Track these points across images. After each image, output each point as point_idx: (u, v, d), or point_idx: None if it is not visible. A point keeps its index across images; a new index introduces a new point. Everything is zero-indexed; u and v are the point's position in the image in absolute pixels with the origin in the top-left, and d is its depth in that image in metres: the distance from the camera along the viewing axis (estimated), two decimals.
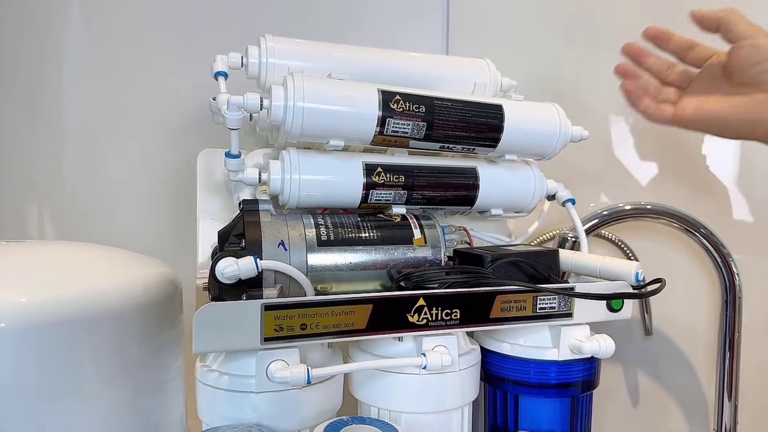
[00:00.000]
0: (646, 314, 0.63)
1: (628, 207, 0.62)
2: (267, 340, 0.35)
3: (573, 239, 0.58)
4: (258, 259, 0.36)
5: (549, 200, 0.52)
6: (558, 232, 0.59)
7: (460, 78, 0.50)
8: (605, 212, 0.62)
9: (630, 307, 0.45)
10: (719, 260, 0.60)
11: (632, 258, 0.62)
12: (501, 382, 0.45)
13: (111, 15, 0.64)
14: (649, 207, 0.62)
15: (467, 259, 0.44)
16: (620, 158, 0.66)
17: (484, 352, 0.45)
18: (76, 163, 0.68)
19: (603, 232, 0.62)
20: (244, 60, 0.45)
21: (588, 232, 0.61)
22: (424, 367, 0.38)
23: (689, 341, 0.64)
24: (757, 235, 0.63)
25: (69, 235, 0.73)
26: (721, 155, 0.64)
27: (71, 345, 0.32)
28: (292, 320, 0.36)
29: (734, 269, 0.60)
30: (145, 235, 0.64)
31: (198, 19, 0.64)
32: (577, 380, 0.44)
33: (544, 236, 0.61)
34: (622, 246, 0.62)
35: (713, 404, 0.61)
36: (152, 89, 0.65)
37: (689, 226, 0.60)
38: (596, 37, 0.65)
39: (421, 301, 0.38)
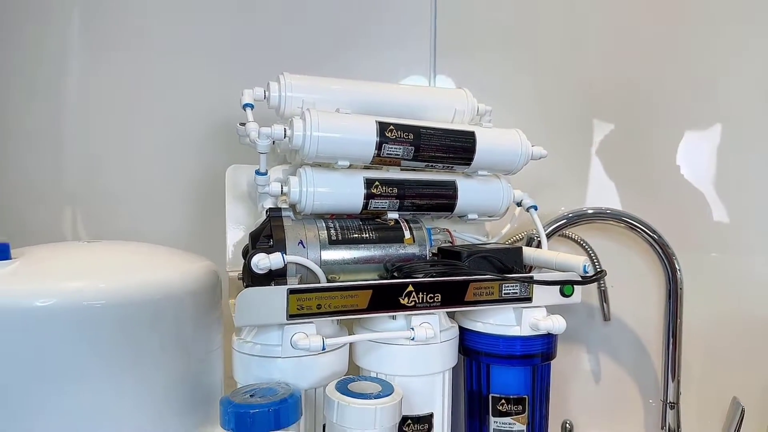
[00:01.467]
0: (604, 303, 0.74)
1: (590, 211, 0.73)
2: (291, 316, 0.45)
3: (538, 239, 0.69)
4: (284, 255, 0.46)
5: (518, 206, 0.63)
6: (526, 233, 0.70)
7: (443, 105, 0.61)
8: (570, 215, 0.72)
9: (579, 293, 0.55)
10: (664, 257, 0.71)
11: (592, 255, 0.73)
12: (476, 355, 0.56)
13: (155, 46, 0.75)
14: (608, 211, 0.73)
15: (448, 255, 0.55)
16: (584, 169, 0.77)
17: (462, 330, 0.56)
18: (114, 172, 0.79)
19: (567, 232, 0.73)
20: (267, 93, 0.56)
21: (555, 232, 0.72)
22: (413, 339, 0.49)
23: (641, 325, 0.75)
24: (695, 237, 0.74)
25: (106, 236, 0.84)
26: (671, 170, 0.75)
27: (144, 320, 0.42)
28: (310, 301, 0.46)
29: (677, 265, 0.70)
30: (176, 236, 0.75)
31: (224, 52, 0.75)
32: (537, 352, 0.55)
33: (517, 236, 0.71)
34: (584, 245, 0.73)
35: (662, 379, 0.72)
36: (185, 109, 0.77)
37: (641, 228, 0.71)
38: (568, 64, 0.76)
39: (410, 288, 0.49)
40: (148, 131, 0.79)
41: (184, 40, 0.77)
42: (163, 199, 0.78)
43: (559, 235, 0.73)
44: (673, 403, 0.71)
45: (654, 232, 0.70)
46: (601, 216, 0.73)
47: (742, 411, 0.68)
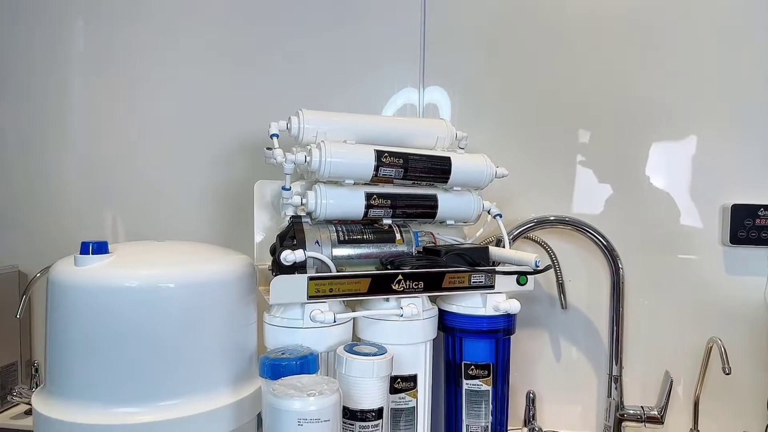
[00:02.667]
0: (562, 294, 0.89)
1: (551, 217, 0.88)
2: (310, 297, 0.61)
3: (509, 240, 0.84)
4: (305, 251, 0.62)
5: (489, 214, 0.79)
6: (496, 236, 0.86)
7: (427, 133, 0.76)
8: (534, 220, 0.88)
9: (532, 282, 0.71)
10: (610, 257, 0.86)
11: (552, 254, 0.88)
12: (451, 330, 0.71)
13: (194, 86, 0.91)
14: (566, 218, 0.88)
15: (430, 252, 0.71)
16: (547, 183, 0.92)
17: (441, 311, 0.71)
18: (156, 184, 0.95)
19: (531, 235, 0.89)
20: (288, 125, 0.71)
21: (521, 234, 0.87)
22: (401, 316, 0.64)
23: (593, 313, 0.90)
24: (634, 241, 0.90)
25: (144, 237, 1.00)
26: (623, 184, 0.91)
27: (203, 298, 0.57)
28: (324, 286, 0.62)
29: (620, 264, 0.86)
30: (209, 237, 0.91)
31: (248, 85, 0.92)
32: (500, 328, 0.70)
33: (489, 238, 0.87)
34: (545, 246, 0.89)
35: (608, 356, 0.88)
36: (217, 132, 0.93)
37: (592, 232, 0.87)
38: (555, 79, 0.92)
39: (400, 277, 0.65)
40: (185, 151, 0.96)
41: (217, 79, 0.94)
42: (197, 206, 0.95)
43: (524, 237, 0.88)
44: (617, 376, 0.86)
45: (602, 236, 0.86)
46: (560, 222, 0.88)
47: (671, 382, 0.84)
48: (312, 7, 0.95)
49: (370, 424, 0.57)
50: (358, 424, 0.57)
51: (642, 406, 0.85)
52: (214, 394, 0.55)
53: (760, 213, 0.87)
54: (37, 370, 1.00)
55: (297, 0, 0.95)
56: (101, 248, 0.55)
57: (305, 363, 0.55)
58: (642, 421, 0.84)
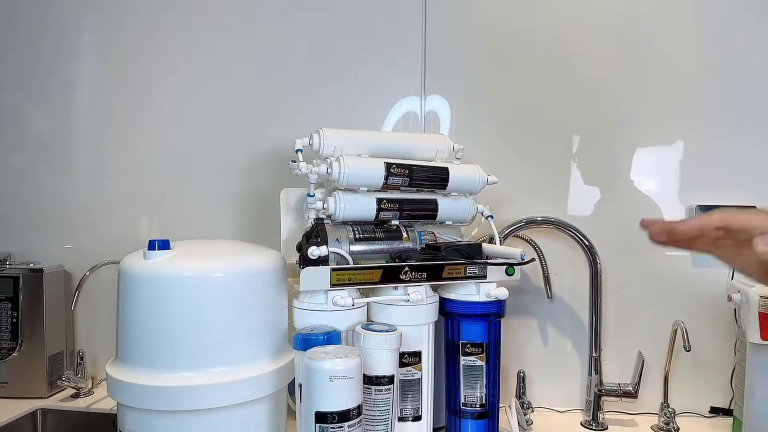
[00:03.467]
0: (548, 285, 1.01)
1: (539, 218, 1.01)
2: (333, 285, 0.73)
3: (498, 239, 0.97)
4: (328, 247, 0.74)
5: (482, 216, 0.91)
6: (489, 234, 0.98)
7: (428, 147, 0.89)
8: (523, 221, 1.00)
9: (519, 273, 0.83)
10: (589, 253, 0.98)
11: (538, 251, 1.01)
12: (451, 314, 0.83)
13: (223, 102, 1.04)
14: (552, 219, 1.01)
15: (432, 248, 0.83)
16: (539, 187, 1.05)
17: (442, 299, 0.83)
18: (190, 192, 1.08)
19: (520, 234, 1.01)
20: (311, 141, 0.84)
21: (511, 233, 1.00)
22: (408, 301, 0.76)
23: (575, 302, 1.03)
24: (614, 238, 1.02)
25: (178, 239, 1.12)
26: (607, 188, 1.03)
27: (245, 286, 0.69)
28: (344, 276, 0.74)
29: (597, 259, 0.98)
30: (237, 239, 1.04)
31: (266, 103, 1.05)
32: (492, 312, 0.83)
33: (484, 236, 0.99)
34: (533, 243, 1.01)
35: (589, 339, 1.00)
36: (251, 144, 1.06)
37: (574, 231, 0.99)
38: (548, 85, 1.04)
39: (407, 268, 0.77)
40: (217, 161, 1.09)
41: (241, 99, 1.06)
42: (228, 211, 1.08)
43: (514, 236, 1.01)
44: (596, 357, 0.98)
45: (582, 234, 0.98)
46: (546, 222, 1.00)
47: (643, 361, 0.96)
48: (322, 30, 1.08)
49: (383, 388, 0.69)
50: (374, 387, 0.69)
51: (618, 383, 0.97)
52: (256, 364, 0.68)
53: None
54: (81, 358, 1.12)
55: (305, 23, 1.08)
56: (165, 245, 0.67)
57: (330, 337, 0.68)
58: (618, 396, 0.96)
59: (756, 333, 0.72)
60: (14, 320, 1.08)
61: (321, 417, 0.57)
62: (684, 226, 0.53)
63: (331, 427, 0.57)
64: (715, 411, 1.00)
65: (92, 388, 1.13)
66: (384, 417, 0.70)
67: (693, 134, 1.01)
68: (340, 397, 0.57)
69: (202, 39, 1.12)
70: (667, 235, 0.54)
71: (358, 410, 0.59)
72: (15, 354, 1.09)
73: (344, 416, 0.57)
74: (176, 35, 1.12)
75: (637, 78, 1.02)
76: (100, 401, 1.08)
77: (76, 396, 1.10)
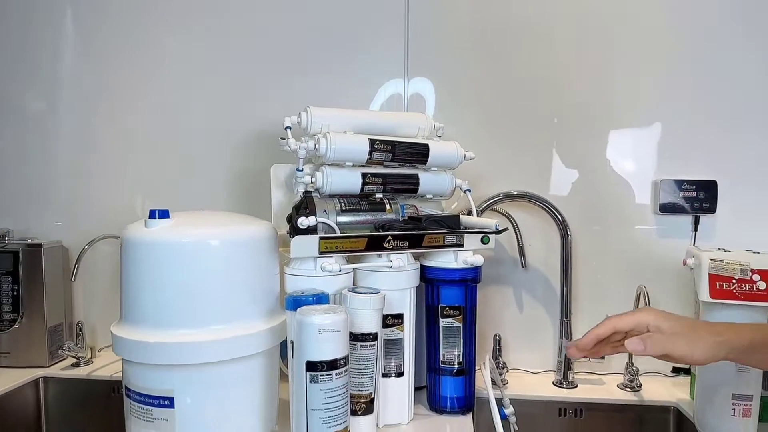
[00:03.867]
0: (522, 256, 1.08)
1: (515, 192, 1.07)
2: (321, 252, 0.79)
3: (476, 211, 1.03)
4: (316, 218, 0.80)
5: (461, 190, 0.97)
6: (467, 208, 1.04)
7: (411, 124, 0.94)
8: (501, 195, 1.07)
9: (493, 242, 0.89)
10: (561, 225, 1.05)
11: (514, 223, 1.07)
12: (430, 280, 0.90)
13: (218, 84, 1.09)
14: (527, 193, 1.07)
15: (413, 219, 0.89)
16: (513, 164, 1.11)
17: (423, 266, 0.90)
18: (186, 168, 1.13)
19: (497, 207, 1.07)
20: (299, 119, 0.89)
21: (488, 207, 1.06)
22: (391, 267, 0.83)
23: (548, 271, 1.10)
24: (579, 212, 1.09)
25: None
26: (584, 166, 1.10)
27: (239, 252, 0.75)
28: (332, 244, 0.80)
29: (568, 231, 1.05)
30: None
31: (256, 84, 1.09)
32: (468, 278, 0.89)
33: (464, 210, 1.05)
34: (509, 216, 1.08)
35: (560, 305, 1.07)
36: (242, 123, 1.10)
37: (547, 205, 1.06)
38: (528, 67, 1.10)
39: (390, 237, 0.83)
40: (210, 139, 1.13)
41: (232, 81, 1.11)
42: (221, 187, 1.12)
43: (491, 209, 1.07)
44: (567, 322, 1.06)
45: (554, 208, 1.05)
46: (521, 196, 1.07)
47: None
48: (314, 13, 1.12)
49: (368, 344, 0.76)
50: (359, 344, 0.75)
51: None
52: (251, 323, 0.73)
53: (683, 187, 1.07)
54: (81, 329, 1.18)
55: (298, 5, 1.12)
56: (164, 214, 0.72)
57: (319, 298, 0.73)
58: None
59: (706, 292, 0.79)
60: (15, 293, 1.13)
61: (311, 366, 0.63)
62: (583, 341, 0.69)
63: (320, 375, 0.63)
64: (677, 371, 1.09)
65: (91, 357, 1.18)
66: (369, 371, 0.76)
67: (662, 115, 1.08)
68: (328, 348, 0.64)
69: (195, 19, 1.15)
70: (576, 351, 0.69)
71: (345, 361, 0.65)
72: (16, 326, 1.13)
73: (332, 365, 0.63)
74: (169, 15, 1.16)
75: (614, 60, 1.08)
76: (99, 369, 1.14)
77: (76, 365, 1.15)
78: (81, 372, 1.13)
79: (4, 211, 1.22)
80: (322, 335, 0.63)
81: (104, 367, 1.15)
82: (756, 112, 1.05)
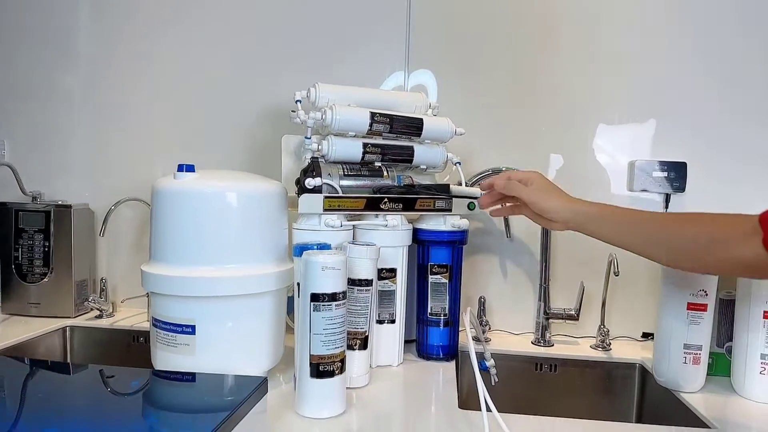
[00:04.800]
0: (507, 227, 1.19)
1: (503, 168, 1.17)
2: (325, 210, 0.90)
3: (465, 182, 1.14)
4: (322, 179, 0.91)
5: (452, 163, 1.08)
6: (459, 180, 1.15)
7: (408, 102, 1.05)
8: (490, 170, 1.17)
9: (478, 207, 1.00)
10: None
11: None
12: (422, 241, 1.01)
13: (235, 63, 1.20)
14: (514, 169, 1.18)
15: (408, 186, 1.00)
16: (505, 144, 1.22)
17: (415, 229, 1.01)
18: (205, 138, 1.24)
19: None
20: (308, 94, 1.00)
21: (477, 180, 1.17)
22: (386, 226, 0.94)
23: (530, 240, 1.21)
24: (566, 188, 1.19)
25: None
26: (569, 150, 1.20)
27: (254, 206, 0.86)
28: (334, 203, 0.91)
29: None
30: None
31: (269, 62, 1.20)
32: (455, 240, 1.00)
33: (456, 183, 1.16)
34: None
35: (540, 270, 1.18)
36: (255, 97, 1.21)
37: None
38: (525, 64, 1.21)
39: (386, 200, 0.94)
40: (225, 112, 1.24)
41: (247, 61, 1.22)
42: (235, 156, 1.23)
43: (479, 184, 1.17)
44: (546, 287, 1.16)
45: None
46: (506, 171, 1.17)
47: (583, 289, 1.14)
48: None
49: (364, 289, 0.87)
50: (356, 288, 0.86)
51: (564, 309, 1.15)
52: (262, 266, 0.85)
53: (656, 168, 1.17)
54: (104, 285, 1.29)
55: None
56: (190, 168, 0.84)
57: (322, 247, 0.84)
58: (563, 318, 1.14)
59: None
60: (46, 249, 1.25)
61: (315, 297, 0.74)
62: (483, 185, 0.87)
63: (322, 305, 0.74)
64: (646, 335, 1.19)
65: (113, 311, 1.30)
66: (364, 312, 0.87)
67: (643, 108, 1.18)
68: (330, 283, 0.75)
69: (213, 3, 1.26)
70: (484, 199, 0.86)
71: (343, 295, 0.76)
72: (46, 279, 1.25)
73: (332, 297, 0.74)
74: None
75: (604, 54, 1.18)
76: (120, 321, 1.25)
77: (99, 317, 1.27)
78: (104, 323, 1.24)
79: (35, 179, 1.33)
80: (325, 271, 0.74)
81: (125, 319, 1.26)
82: (728, 101, 1.15)
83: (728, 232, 0.65)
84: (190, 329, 0.80)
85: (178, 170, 0.83)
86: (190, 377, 0.79)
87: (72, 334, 1.24)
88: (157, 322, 0.83)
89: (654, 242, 0.72)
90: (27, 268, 1.25)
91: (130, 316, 1.27)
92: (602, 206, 0.77)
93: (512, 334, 1.21)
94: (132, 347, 1.23)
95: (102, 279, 1.30)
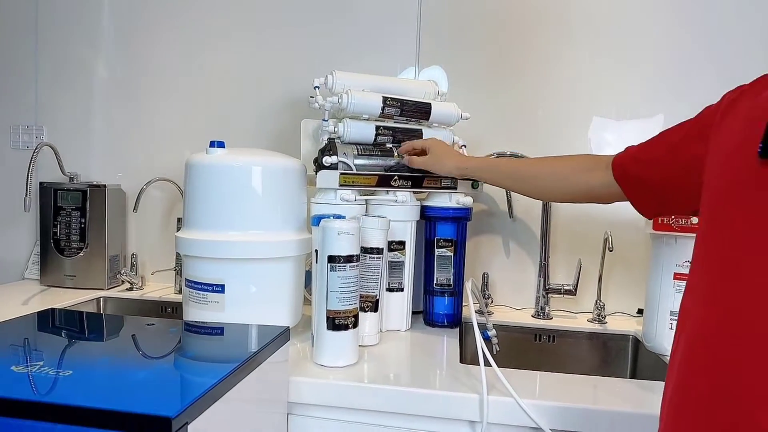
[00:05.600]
0: (510, 207, 1.27)
1: (507, 153, 1.25)
2: (340, 185, 0.99)
3: None
4: (338, 157, 1.00)
5: (458, 145, 1.16)
6: None
7: (419, 89, 1.14)
8: (494, 154, 1.25)
9: (482, 187, 1.08)
10: None
11: None
12: (429, 218, 1.09)
13: (262, 54, 1.29)
14: (517, 154, 1.25)
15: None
16: (510, 131, 1.29)
17: (423, 207, 1.09)
18: (232, 122, 1.33)
19: None
20: (326, 80, 1.09)
21: None
22: (396, 201, 1.02)
23: (531, 221, 1.28)
24: None
25: None
26: (567, 137, 1.28)
27: (277, 179, 0.95)
28: (349, 179, 0.99)
29: None
30: None
31: (290, 55, 1.29)
32: (460, 216, 1.08)
33: None
34: None
35: (540, 248, 1.25)
36: (278, 85, 1.31)
37: None
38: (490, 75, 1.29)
39: (396, 177, 1.02)
40: (249, 100, 1.34)
41: (269, 55, 1.31)
42: (258, 140, 1.33)
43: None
44: (545, 264, 1.24)
45: None
46: (512, 155, 1.25)
47: (580, 266, 1.21)
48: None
49: (375, 256, 0.95)
50: (368, 255, 0.95)
51: (562, 284, 1.23)
52: (283, 233, 0.94)
53: None
54: (135, 260, 1.39)
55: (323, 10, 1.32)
56: (221, 144, 0.93)
57: (338, 217, 0.93)
58: (561, 293, 1.22)
59: (650, 225, 0.98)
60: (82, 226, 1.35)
61: (331, 258, 0.83)
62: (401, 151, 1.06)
63: (338, 266, 0.83)
64: (641, 312, 1.26)
65: (142, 284, 1.40)
66: (375, 278, 0.96)
67: (632, 103, 1.25)
68: (345, 246, 0.83)
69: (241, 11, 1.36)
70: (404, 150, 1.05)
71: (357, 258, 0.85)
72: (81, 254, 1.35)
73: (348, 259, 0.83)
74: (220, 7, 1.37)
75: (608, 48, 1.26)
76: (149, 293, 1.35)
77: (129, 289, 1.37)
78: (134, 294, 1.34)
79: (72, 161, 1.44)
80: (341, 236, 0.83)
81: (153, 291, 1.36)
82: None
83: (586, 164, 0.85)
84: (220, 288, 0.90)
85: (210, 146, 0.93)
86: (218, 329, 0.88)
87: (105, 304, 1.34)
88: (189, 283, 0.93)
89: (522, 179, 0.92)
90: (65, 243, 1.35)
91: (158, 289, 1.37)
92: (485, 160, 1.08)
93: (514, 309, 1.29)
94: (161, 316, 1.32)
95: (133, 254, 1.40)
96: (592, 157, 0.87)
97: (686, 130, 0.68)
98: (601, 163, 0.82)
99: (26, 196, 1.18)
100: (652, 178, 0.74)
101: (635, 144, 0.78)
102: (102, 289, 1.36)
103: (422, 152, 1.03)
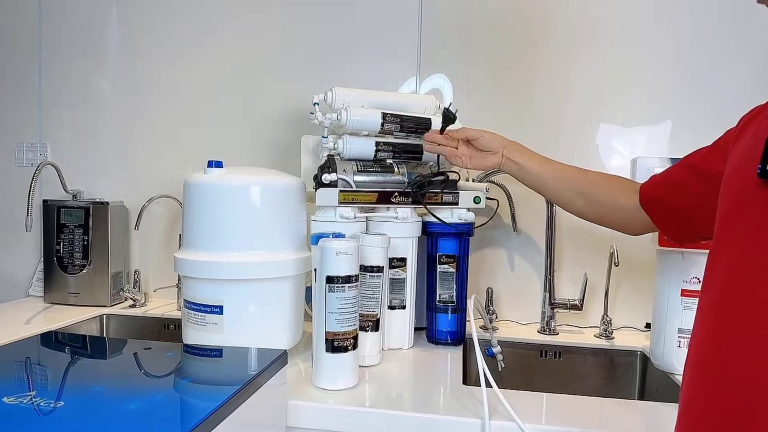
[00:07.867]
0: (514, 221, 1.25)
1: None
2: (340, 203, 0.98)
3: (471, 179, 1.20)
4: (337, 175, 0.99)
5: None
6: (467, 177, 1.22)
7: (419, 104, 1.13)
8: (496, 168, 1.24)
9: (484, 201, 1.07)
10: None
11: (507, 194, 1.24)
12: (431, 233, 1.08)
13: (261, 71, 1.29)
14: None
15: (418, 182, 1.07)
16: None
17: (425, 222, 1.08)
18: (234, 138, 1.33)
19: (494, 179, 1.25)
20: (325, 97, 1.08)
21: (486, 178, 1.23)
22: (397, 218, 1.01)
23: (535, 234, 1.27)
24: None
25: None
26: (574, 147, 1.26)
27: (277, 198, 0.94)
28: (349, 197, 0.98)
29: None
30: None
31: (290, 71, 1.29)
32: (462, 231, 1.07)
33: (463, 178, 1.23)
34: (503, 187, 1.25)
35: (546, 264, 1.23)
36: (276, 102, 1.30)
37: None
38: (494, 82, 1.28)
39: (396, 194, 1.01)
40: (248, 115, 1.33)
41: (267, 67, 1.30)
42: (257, 156, 1.32)
43: (488, 181, 1.24)
44: (551, 278, 1.22)
45: None
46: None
47: (586, 280, 1.19)
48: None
49: (375, 275, 0.94)
50: (368, 274, 0.94)
51: (568, 299, 1.21)
52: (282, 253, 0.93)
53: (657, 164, 1.22)
54: (137, 277, 1.39)
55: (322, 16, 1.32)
56: (219, 164, 0.92)
57: (337, 236, 0.92)
58: (567, 308, 1.20)
59: (656, 240, 0.96)
60: (85, 243, 1.35)
61: (330, 279, 0.82)
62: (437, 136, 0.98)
63: (337, 286, 0.82)
64: (649, 326, 1.24)
65: (145, 301, 1.40)
66: (375, 296, 0.95)
67: (642, 110, 1.24)
68: (343, 267, 0.82)
69: (252, 12, 1.36)
70: (430, 137, 0.97)
71: (356, 278, 0.84)
72: (85, 271, 1.35)
73: (346, 279, 0.82)
74: (227, 6, 1.37)
75: (604, 54, 1.24)
76: (151, 310, 1.35)
77: (132, 306, 1.37)
78: (137, 311, 1.34)
79: (75, 178, 1.44)
80: (339, 256, 0.82)
81: (156, 308, 1.36)
82: (729, 99, 1.20)
83: (621, 182, 0.87)
84: (218, 309, 0.89)
85: (208, 166, 0.92)
86: (217, 352, 0.87)
87: (108, 321, 1.34)
88: (188, 304, 0.92)
89: (569, 188, 0.89)
90: (68, 261, 1.36)
91: (160, 306, 1.37)
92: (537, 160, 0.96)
93: (519, 324, 1.27)
94: (163, 333, 1.32)
95: (135, 271, 1.40)
96: (625, 179, 0.89)
97: (706, 152, 0.71)
98: (631, 187, 0.84)
99: (27, 215, 1.19)
100: (676, 201, 0.76)
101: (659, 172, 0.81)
102: (105, 306, 1.35)
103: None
